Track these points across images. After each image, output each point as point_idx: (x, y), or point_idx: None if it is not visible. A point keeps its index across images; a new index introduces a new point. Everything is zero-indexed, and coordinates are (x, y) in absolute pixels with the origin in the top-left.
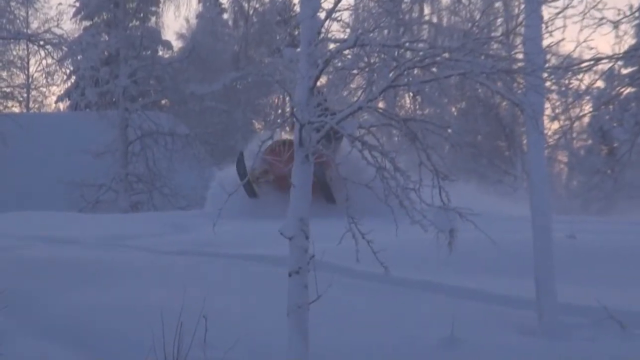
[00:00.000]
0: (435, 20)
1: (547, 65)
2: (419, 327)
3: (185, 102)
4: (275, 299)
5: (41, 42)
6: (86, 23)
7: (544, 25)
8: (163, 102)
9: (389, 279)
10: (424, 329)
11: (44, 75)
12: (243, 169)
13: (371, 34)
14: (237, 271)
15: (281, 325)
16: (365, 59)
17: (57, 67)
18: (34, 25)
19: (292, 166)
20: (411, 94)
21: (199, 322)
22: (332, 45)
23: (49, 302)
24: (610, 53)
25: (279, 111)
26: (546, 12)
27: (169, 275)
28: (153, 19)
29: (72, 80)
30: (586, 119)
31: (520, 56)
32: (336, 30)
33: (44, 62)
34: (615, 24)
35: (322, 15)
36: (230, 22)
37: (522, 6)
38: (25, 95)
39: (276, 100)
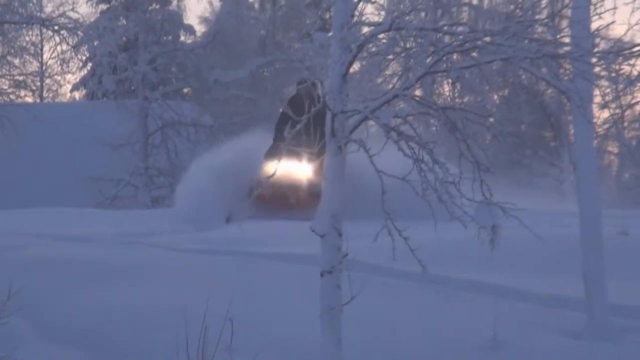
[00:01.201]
0: (475, 1)
1: (595, 49)
2: (459, 328)
3: (209, 91)
4: (306, 300)
5: (55, 27)
6: (103, 6)
7: (592, 7)
8: (185, 90)
9: (427, 278)
10: (464, 330)
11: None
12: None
13: (407, 17)
14: (265, 271)
15: (313, 328)
16: (401, 44)
17: (73, 54)
18: (48, 8)
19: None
20: (450, 81)
21: (224, 325)
22: (366, 29)
23: (64, 303)
24: None
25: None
26: None
27: (191, 275)
28: (174, 1)
29: (89, 68)
30: (638, 107)
31: (567, 40)
32: (370, 13)
33: (58, 48)
34: None
35: None
36: (256, 5)
37: None
38: (38, 83)
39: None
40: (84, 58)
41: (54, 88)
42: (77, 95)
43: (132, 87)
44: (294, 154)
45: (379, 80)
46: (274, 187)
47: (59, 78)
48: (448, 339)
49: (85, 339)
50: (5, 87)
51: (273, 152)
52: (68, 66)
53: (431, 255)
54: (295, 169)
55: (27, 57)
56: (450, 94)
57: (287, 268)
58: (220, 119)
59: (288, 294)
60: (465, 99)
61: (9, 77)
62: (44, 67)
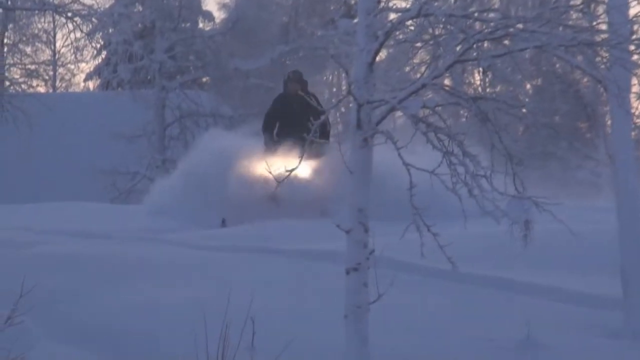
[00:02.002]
0: None
1: (634, 36)
2: (490, 328)
3: (229, 80)
4: (330, 299)
5: (69, 14)
6: None
7: None
8: (204, 79)
9: (457, 276)
10: (496, 330)
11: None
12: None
13: (436, 3)
14: (287, 268)
15: (338, 328)
16: (430, 31)
17: (87, 42)
18: None
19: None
20: (481, 70)
21: (245, 324)
22: (393, 16)
23: (79, 303)
24: None
25: (334, 89)
26: None
27: (210, 272)
28: None
29: (103, 56)
30: None
31: (604, 27)
32: None
33: (72, 35)
34: None
35: None
36: None
37: None
38: (51, 73)
39: (330, 77)
40: (98, 46)
41: (67, 77)
42: (91, 84)
43: (149, 77)
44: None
45: (407, 69)
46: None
47: (72, 67)
48: (479, 339)
49: (101, 339)
50: (16, 76)
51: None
52: (82, 54)
53: (461, 252)
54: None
55: (40, 45)
56: (481, 83)
57: (311, 265)
58: (240, 109)
59: (311, 292)
60: (497, 89)
61: (20, 66)
62: (56, 56)
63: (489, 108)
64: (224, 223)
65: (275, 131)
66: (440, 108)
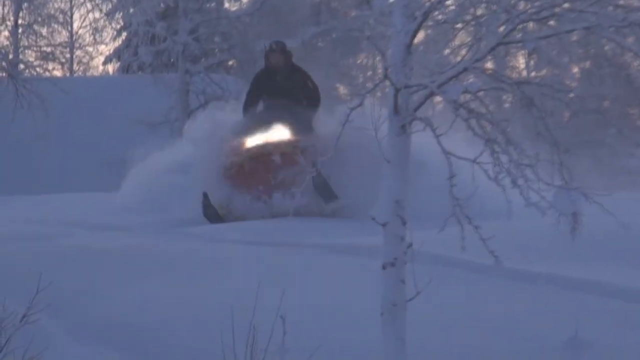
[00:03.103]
0: None
1: None
2: (536, 327)
3: (256, 63)
4: (366, 295)
5: None
6: None
7: None
8: (230, 62)
9: (500, 271)
10: (542, 329)
11: (90, 32)
12: (213, 214)
13: None
14: (319, 263)
15: (373, 327)
16: (472, 11)
17: (106, 22)
18: None
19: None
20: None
21: (275, 322)
22: None
23: (98, 299)
24: None
25: (369, 73)
26: None
27: (237, 268)
28: None
29: (123, 38)
30: None
31: None
32: None
33: (90, 16)
34: None
35: None
36: None
37: None
38: (68, 55)
39: (365, 60)
40: (118, 27)
41: (84, 60)
42: (110, 68)
43: (172, 59)
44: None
45: (446, 51)
46: (252, 154)
47: (90, 49)
48: (524, 338)
49: (121, 338)
50: (31, 59)
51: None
52: (100, 36)
53: (505, 246)
54: (272, 136)
55: (56, 26)
56: (526, 67)
57: (344, 260)
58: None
59: (345, 289)
60: (542, 73)
61: (35, 49)
62: (74, 37)
63: (534, 93)
64: (205, 197)
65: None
66: (482, 93)
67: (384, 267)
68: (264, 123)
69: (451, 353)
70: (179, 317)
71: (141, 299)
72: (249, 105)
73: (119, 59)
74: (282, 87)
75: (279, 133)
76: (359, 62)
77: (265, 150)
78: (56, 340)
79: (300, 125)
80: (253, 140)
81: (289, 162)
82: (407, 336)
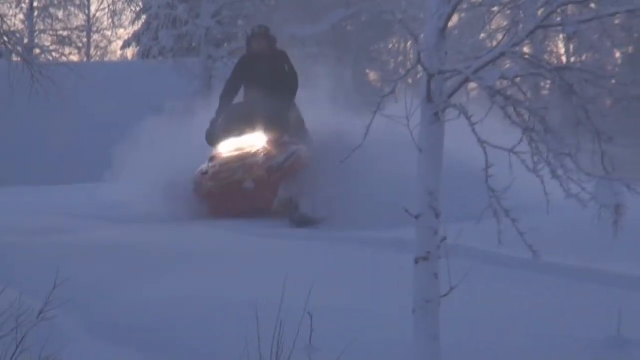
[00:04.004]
0: None
1: None
2: (576, 324)
3: (283, 47)
4: (397, 291)
5: None
6: None
7: None
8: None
9: (539, 266)
10: (582, 326)
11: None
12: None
13: None
14: (349, 257)
15: (405, 324)
16: None
17: (125, 5)
18: None
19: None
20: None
21: (302, 320)
22: None
23: (117, 295)
24: None
25: (400, 58)
26: None
27: (264, 262)
28: None
29: (143, 21)
30: None
31: None
32: None
33: None
34: None
35: None
36: None
37: None
38: (85, 40)
39: (397, 45)
40: (137, 10)
41: (102, 45)
42: (129, 53)
43: (193, 44)
44: (244, 125)
45: (482, 35)
46: (221, 176)
47: (108, 33)
48: (564, 336)
49: (143, 336)
50: (47, 43)
51: (218, 130)
52: (119, 19)
53: (544, 240)
54: (246, 144)
55: (72, 9)
56: (565, 52)
57: (375, 254)
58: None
59: (375, 285)
60: (583, 58)
61: (51, 33)
62: (91, 21)
63: (575, 79)
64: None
65: (231, 101)
66: (519, 79)
67: (416, 262)
68: (240, 124)
69: (486, 352)
70: (203, 314)
71: (163, 295)
72: (226, 93)
73: (138, 43)
74: (263, 75)
75: (255, 140)
76: (390, 46)
77: (236, 177)
78: (74, 338)
79: (277, 125)
80: (226, 153)
81: (263, 188)
82: (440, 334)
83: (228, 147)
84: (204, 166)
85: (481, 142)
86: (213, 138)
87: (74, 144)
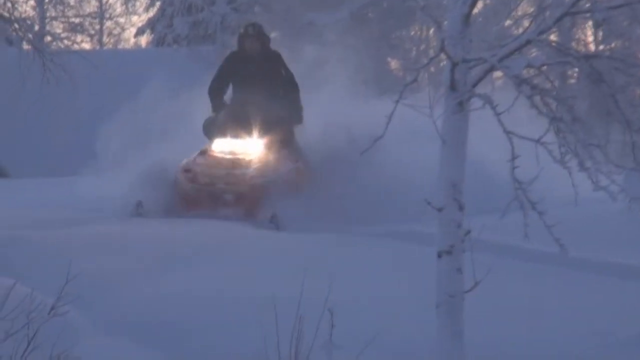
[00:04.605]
0: None
1: None
2: (605, 321)
3: (301, 36)
4: (419, 286)
5: None
6: None
7: None
8: (272, 35)
9: (567, 261)
10: (612, 323)
11: (121, 2)
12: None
13: None
14: (370, 251)
15: (428, 320)
16: None
17: None
18: None
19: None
20: (594, 24)
21: (322, 316)
22: None
23: (130, 290)
24: None
25: (422, 46)
26: None
27: (282, 256)
28: None
29: (157, 8)
30: None
31: None
32: None
33: None
34: None
35: None
36: None
37: None
38: (97, 27)
39: (419, 32)
40: None
41: (115, 32)
42: (142, 40)
43: (209, 31)
44: (245, 128)
45: (507, 22)
46: (202, 180)
47: (121, 20)
48: (593, 333)
49: (156, 333)
50: (59, 31)
51: (214, 124)
52: (133, 6)
53: (572, 233)
54: (241, 148)
55: None
56: (594, 39)
57: (396, 248)
58: (314, 69)
59: (397, 279)
60: (612, 45)
61: (63, 20)
62: (103, 8)
63: (604, 67)
64: (139, 206)
65: (223, 97)
66: (546, 68)
67: (439, 256)
68: (241, 126)
69: (512, 349)
70: (218, 310)
71: (177, 290)
72: (214, 90)
73: (152, 30)
74: (253, 76)
75: (251, 147)
76: (412, 34)
77: (217, 186)
78: (86, 335)
79: (280, 136)
80: (218, 153)
81: (242, 202)
82: (464, 330)
83: (222, 147)
84: (190, 160)
85: (507, 132)
86: (210, 131)
87: (85, 132)
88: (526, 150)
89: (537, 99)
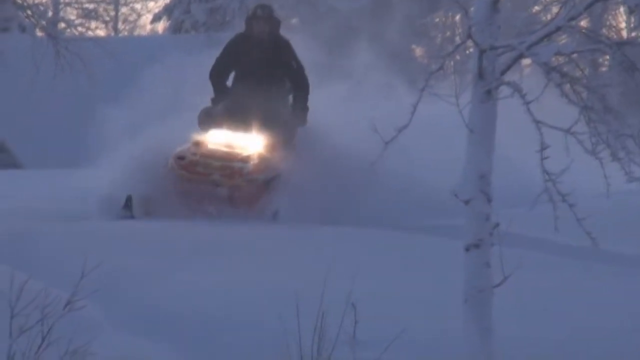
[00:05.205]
0: None
1: None
2: (635, 316)
3: (322, 21)
4: (446, 280)
5: None
6: None
7: None
8: (292, 20)
9: (598, 255)
10: None
11: None
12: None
13: None
14: (395, 245)
15: (455, 316)
16: None
17: None
18: None
19: None
20: (626, 10)
21: (345, 312)
22: None
23: (148, 285)
24: None
25: (448, 33)
26: None
27: (304, 251)
28: None
29: None
30: None
31: None
32: None
33: None
34: None
35: None
36: None
37: None
38: (112, 13)
39: (444, 19)
40: None
41: (131, 19)
42: (159, 27)
43: (227, 18)
44: (245, 121)
45: (536, 8)
46: (196, 169)
47: (137, 6)
48: (627, 330)
49: (174, 328)
50: (72, 17)
51: (210, 115)
52: None
53: (603, 226)
54: (238, 142)
55: None
56: (626, 25)
57: (422, 241)
58: (335, 57)
59: (423, 274)
60: None
61: (77, 6)
62: None
63: (636, 55)
64: (128, 202)
65: (225, 83)
66: (576, 55)
67: (467, 249)
68: (240, 119)
69: (543, 346)
70: (238, 306)
71: (195, 285)
72: (216, 75)
73: (169, 16)
74: (259, 62)
75: (249, 141)
76: (437, 20)
77: (212, 177)
78: (103, 330)
79: (281, 134)
80: (213, 144)
81: (236, 198)
82: (493, 326)
83: (217, 138)
84: (183, 149)
85: (536, 122)
86: (206, 121)
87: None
88: (553, 141)
89: (567, 87)
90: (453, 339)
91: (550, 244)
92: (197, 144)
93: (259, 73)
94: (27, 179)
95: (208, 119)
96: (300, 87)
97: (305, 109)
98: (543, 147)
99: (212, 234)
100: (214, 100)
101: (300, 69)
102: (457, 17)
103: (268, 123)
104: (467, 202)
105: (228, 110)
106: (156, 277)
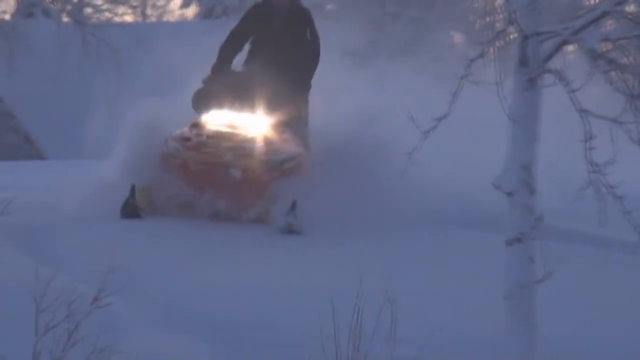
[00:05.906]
0: None
1: None
2: None
3: (360, 7)
4: (486, 275)
5: None
6: None
7: None
8: (328, 6)
9: None
10: None
11: None
12: (131, 211)
13: None
14: (431, 239)
15: (496, 312)
16: None
17: None
18: None
19: None
20: None
21: (382, 308)
22: None
23: (180, 281)
24: None
25: (488, 19)
26: None
27: (335, 246)
28: None
29: None
30: None
31: None
32: None
33: None
34: None
35: None
36: None
37: None
38: None
39: (484, 4)
40: None
41: (159, 4)
42: (189, 13)
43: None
44: (245, 99)
45: None
46: (206, 149)
47: None
48: None
49: (204, 326)
50: (99, 2)
51: (210, 95)
52: None
53: None
54: (241, 122)
55: None
56: None
57: (461, 234)
58: (373, 44)
59: (462, 268)
60: None
61: None
62: None
63: None
64: (132, 192)
65: (231, 60)
66: (624, 41)
67: (509, 244)
68: (240, 96)
69: (587, 344)
70: (270, 303)
71: (225, 282)
72: (228, 45)
73: (199, 2)
74: (277, 35)
75: (252, 122)
76: (476, 5)
77: (224, 159)
78: (131, 327)
79: (286, 112)
80: (215, 126)
81: (250, 182)
82: (536, 323)
83: (217, 120)
84: (184, 131)
85: (581, 111)
86: (200, 102)
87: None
88: (594, 131)
89: (614, 74)
90: (493, 336)
91: (593, 238)
92: (196, 125)
93: (276, 46)
94: (50, 171)
95: (205, 100)
96: (306, 60)
97: (306, 87)
98: (589, 137)
99: (238, 228)
100: (207, 81)
101: (315, 41)
102: (497, 2)
103: (276, 103)
104: (509, 194)
105: (226, 87)
106: (183, 272)
